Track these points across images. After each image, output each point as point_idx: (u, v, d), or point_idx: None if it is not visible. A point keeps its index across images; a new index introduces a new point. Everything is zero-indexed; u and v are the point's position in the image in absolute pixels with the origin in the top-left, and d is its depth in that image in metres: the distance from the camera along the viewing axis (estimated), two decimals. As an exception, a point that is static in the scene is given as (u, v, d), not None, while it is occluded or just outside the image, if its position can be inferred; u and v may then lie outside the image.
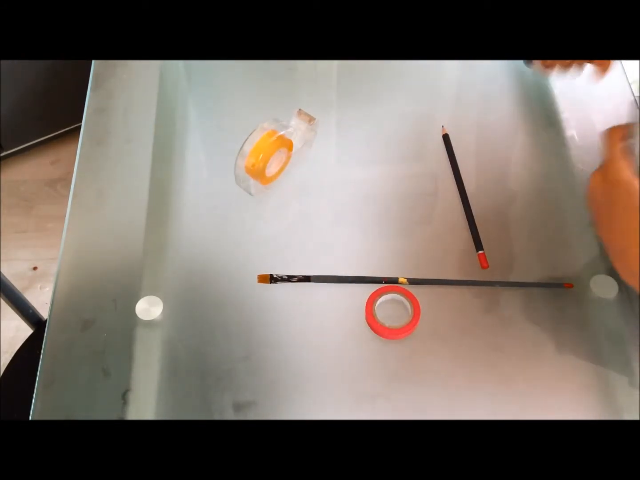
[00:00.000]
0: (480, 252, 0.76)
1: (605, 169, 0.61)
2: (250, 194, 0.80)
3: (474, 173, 0.84)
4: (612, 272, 0.74)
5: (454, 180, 0.83)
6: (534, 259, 0.77)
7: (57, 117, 1.74)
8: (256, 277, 0.75)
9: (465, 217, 0.80)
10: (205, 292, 0.75)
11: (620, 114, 0.88)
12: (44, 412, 0.67)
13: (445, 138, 0.87)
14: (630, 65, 0.98)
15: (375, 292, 0.73)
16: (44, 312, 1.10)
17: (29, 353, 1.05)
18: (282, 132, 0.77)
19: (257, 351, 0.71)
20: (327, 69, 0.96)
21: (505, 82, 0.94)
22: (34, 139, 1.76)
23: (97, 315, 0.73)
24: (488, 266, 0.76)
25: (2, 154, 1.73)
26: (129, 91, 0.93)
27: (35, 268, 1.64)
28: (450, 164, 0.85)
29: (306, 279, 0.74)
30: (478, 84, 0.95)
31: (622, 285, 0.73)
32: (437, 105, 0.93)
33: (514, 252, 0.77)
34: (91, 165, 0.85)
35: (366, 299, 0.72)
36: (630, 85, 0.91)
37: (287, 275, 0.75)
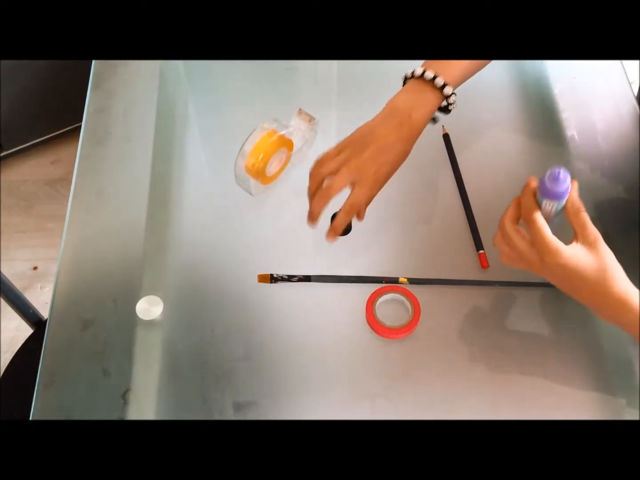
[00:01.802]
0: (481, 252, 0.76)
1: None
2: (250, 194, 0.80)
3: (474, 173, 0.84)
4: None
5: (454, 180, 0.83)
6: (534, 259, 0.77)
7: (57, 117, 1.73)
8: (256, 277, 0.75)
9: (466, 217, 0.80)
10: (205, 292, 0.75)
11: (620, 114, 0.88)
12: (44, 412, 0.67)
13: (445, 138, 0.86)
14: (630, 65, 0.98)
15: (375, 291, 0.73)
16: (44, 312, 1.10)
17: (29, 353, 1.05)
18: (282, 132, 0.77)
19: (257, 351, 0.71)
20: (327, 69, 0.96)
21: (505, 82, 0.94)
22: (34, 139, 1.75)
23: (97, 315, 0.73)
24: (488, 266, 0.76)
25: (2, 154, 1.73)
26: (129, 91, 0.93)
27: (35, 268, 1.63)
28: (451, 164, 0.84)
29: (306, 278, 0.74)
30: (478, 84, 0.95)
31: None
32: (437, 105, 0.93)
33: (514, 252, 0.77)
34: (91, 165, 0.85)
35: (366, 299, 0.72)
36: (630, 85, 0.91)
37: (287, 275, 0.74)
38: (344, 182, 0.69)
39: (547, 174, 0.60)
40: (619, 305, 0.59)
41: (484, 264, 0.76)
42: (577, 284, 0.60)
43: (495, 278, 0.75)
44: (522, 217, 0.63)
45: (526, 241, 0.62)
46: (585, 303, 0.62)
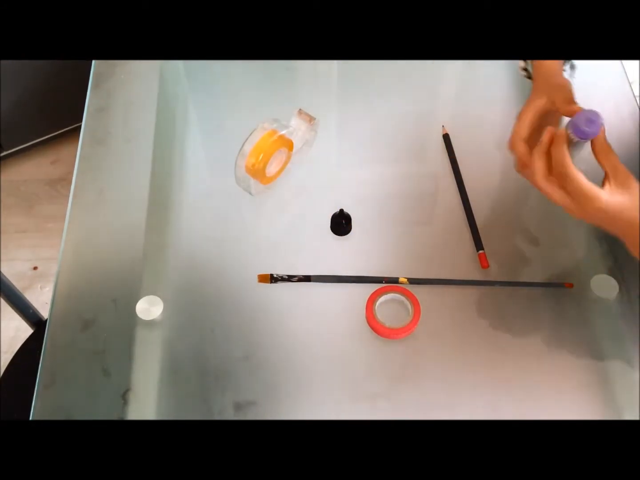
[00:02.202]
0: (481, 252, 0.76)
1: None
2: (250, 193, 0.80)
3: (474, 173, 0.84)
4: (612, 272, 0.74)
5: (454, 180, 0.83)
6: (534, 258, 0.77)
7: (57, 117, 1.73)
8: (256, 277, 0.75)
9: (465, 217, 0.80)
10: (205, 292, 0.75)
11: (620, 114, 0.88)
12: (44, 412, 0.67)
13: (446, 138, 0.87)
14: (630, 65, 0.98)
15: (375, 291, 0.73)
16: (44, 312, 1.10)
17: (29, 353, 1.05)
18: (282, 132, 0.77)
19: (257, 351, 0.71)
20: (327, 69, 0.96)
21: (505, 82, 0.94)
22: (34, 139, 1.75)
23: (97, 315, 0.73)
24: (488, 266, 0.76)
25: (2, 154, 1.73)
26: (129, 91, 0.93)
27: (35, 268, 1.63)
28: (451, 164, 0.85)
29: (306, 278, 0.74)
30: (478, 84, 0.95)
31: (622, 285, 0.73)
32: (437, 105, 0.93)
33: (514, 252, 0.77)
34: (91, 165, 0.85)
35: (366, 299, 0.72)
36: (630, 85, 0.91)
37: (287, 275, 0.75)
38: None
39: (583, 115, 0.64)
40: None
41: (484, 264, 0.76)
42: (617, 223, 0.62)
43: (495, 278, 0.75)
44: (555, 170, 0.64)
45: (563, 192, 0.64)
46: (627, 241, 0.63)
